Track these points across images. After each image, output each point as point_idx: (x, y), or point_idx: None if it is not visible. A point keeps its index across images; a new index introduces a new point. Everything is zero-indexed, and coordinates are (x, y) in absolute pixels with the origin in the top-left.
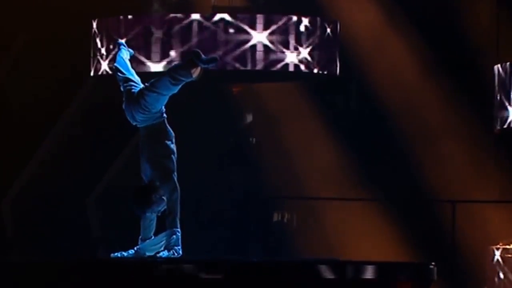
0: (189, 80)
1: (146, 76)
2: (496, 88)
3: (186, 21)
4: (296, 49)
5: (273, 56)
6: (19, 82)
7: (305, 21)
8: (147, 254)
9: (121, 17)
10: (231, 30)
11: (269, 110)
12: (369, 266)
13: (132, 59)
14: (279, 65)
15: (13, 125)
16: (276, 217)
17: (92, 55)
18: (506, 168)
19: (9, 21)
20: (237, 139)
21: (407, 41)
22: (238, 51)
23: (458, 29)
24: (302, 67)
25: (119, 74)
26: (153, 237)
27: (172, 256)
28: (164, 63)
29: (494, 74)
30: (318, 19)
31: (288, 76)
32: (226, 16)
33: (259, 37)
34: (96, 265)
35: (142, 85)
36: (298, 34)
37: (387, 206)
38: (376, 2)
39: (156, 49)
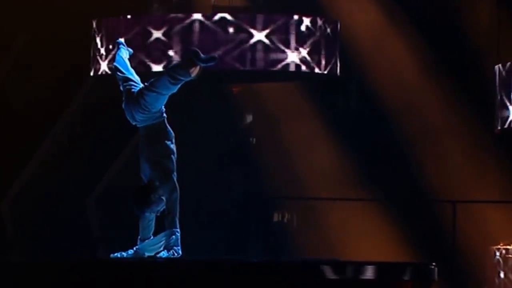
0: (188, 79)
1: (146, 76)
2: (497, 88)
3: (187, 21)
4: (296, 49)
5: (273, 56)
6: (19, 82)
7: (306, 21)
8: (147, 254)
9: (121, 17)
10: (231, 30)
11: (269, 110)
12: (370, 266)
13: (132, 58)
14: (280, 65)
15: (13, 125)
16: (276, 217)
17: (92, 55)
18: (506, 168)
19: (9, 21)
20: (237, 139)
21: (407, 41)
22: (238, 51)
23: (458, 29)
24: (303, 67)
25: (118, 73)
26: (152, 237)
27: (172, 256)
28: (164, 63)
29: (494, 74)
30: (318, 19)
31: (288, 76)
32: (227, 16)
33: (259, 36)
34: (96, 265)
35: (141, 85)
36: (298, 34)
37: (387, 206)
38: (376, 2)
39: (156, 49)
